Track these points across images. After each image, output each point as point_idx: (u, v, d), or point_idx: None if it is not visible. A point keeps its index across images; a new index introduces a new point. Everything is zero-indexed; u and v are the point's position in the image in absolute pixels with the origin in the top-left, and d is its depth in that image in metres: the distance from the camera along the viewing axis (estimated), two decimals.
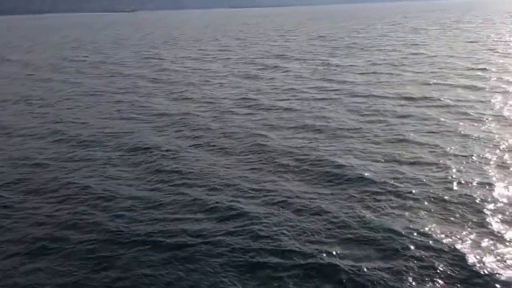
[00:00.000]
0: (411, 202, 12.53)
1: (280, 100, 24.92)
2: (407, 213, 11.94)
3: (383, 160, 15.58)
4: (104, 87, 30.52)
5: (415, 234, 10.87)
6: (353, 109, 22.30)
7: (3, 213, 12.96)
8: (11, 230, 12.02)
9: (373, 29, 66.01)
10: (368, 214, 11.99)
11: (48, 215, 12.68)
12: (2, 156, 17.73)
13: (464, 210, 11.92)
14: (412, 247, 10.34)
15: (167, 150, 17.47)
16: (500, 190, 12.90)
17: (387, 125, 19.51)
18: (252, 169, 15.46)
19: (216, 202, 12.96)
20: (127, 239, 11.25)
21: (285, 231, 11.34)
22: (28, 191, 14.43)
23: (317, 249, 10.46)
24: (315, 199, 13.01)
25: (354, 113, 21.68)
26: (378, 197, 12.93)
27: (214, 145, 18.00)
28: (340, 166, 15.10)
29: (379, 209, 12.30)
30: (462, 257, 9.89)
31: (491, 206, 12.02)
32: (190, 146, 18.12)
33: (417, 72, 31.13)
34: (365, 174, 14.34)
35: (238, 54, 44.80)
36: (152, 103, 25.48)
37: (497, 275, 9.31)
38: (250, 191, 13.69)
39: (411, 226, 11.24)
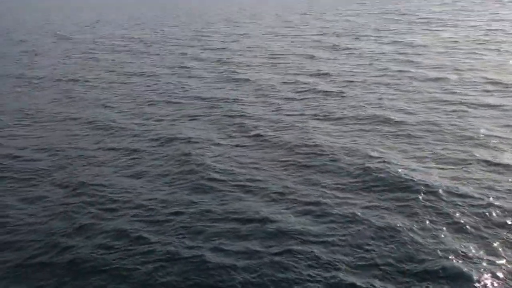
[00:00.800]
0: (501, 219, 10.20)
1: (340, 85, 22.13)
2: (497, 236, 9.70)
3: (461, 165, 12.94)
4: (153, 67, 29.07)
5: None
6: (425, 98, 19.26)
7: (22, 209, 11.93)
8: (24, 232, 10.89)
9: (455, 1, 60.53)
10: (446, 236, 9.79)
11: (66, 213, 11.46)
12: (32, 143, 16.67)
13: None
14: None
15: (204, 142, 15.63)
16: None
17: (467, 118, 16.51)
18: (299, 167, 13.39)
19: (255, 212, 11.00)
20: (148, 249, 9.81)
21: (341, 258, 9.26)
22: (52, 184, 13.27)
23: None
24: (374, 215, 10.75)
25: (426, 102, 18.70)
26: (457, 214, 10.58)
27: (257, 138, 15.88)
28: (406, 170, 12.65)
29: (460, 230, 10.00)
30: None
31: None
32: (229, 137, 16.13)
33: (505, 52, 26.92)
34: (438, 183, 11.81)
35: (300, 30, 41.92)
36: (198, 86, 23.66)
37: None
38: (297, 200, 11.57)
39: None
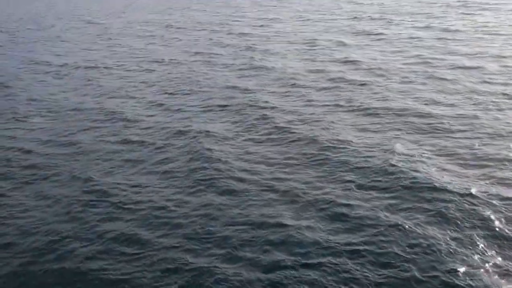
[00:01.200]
0: None
1: (370, 74, 20.93)
2: None
3: (502, 163, 12.20)
4: (178, 54, 28.44)
5: None
6: (461, 88, 17.96)
7: (29, 207, 11.53)
8: (30, 232, 10.47)
9: None
10: (486, 246, 8.98)
11: (75, 212, 11.04)
12: (46, 135, 16.34)
13: None
14: None
15: (224, 136, 15.00)
16: None
17: (507, 111, 15.46)
18: (325, 163, 12.63)
19: (277, 215, 10.28)
20: (158, 255, 9.29)
21: (374, 270, 8.58)
22: (63, 180, 12.85)
23: None
24: (407, 219, 9.95)
25: (463, 93, 17.45)
26: (498, 220, 9.71)
27: (279, 131, 15.09)
28: (441, 169, 11.73)
29: (502, 238, 9.18)
30: None
31: None
32: (251, 130, 15.44)
33: None
34: (476, 184, 10.95)
35: (331, 14, 40.56)
36: (223, 74, 22.86)
37: None
38: (323, 202, 10.81)
39: None
